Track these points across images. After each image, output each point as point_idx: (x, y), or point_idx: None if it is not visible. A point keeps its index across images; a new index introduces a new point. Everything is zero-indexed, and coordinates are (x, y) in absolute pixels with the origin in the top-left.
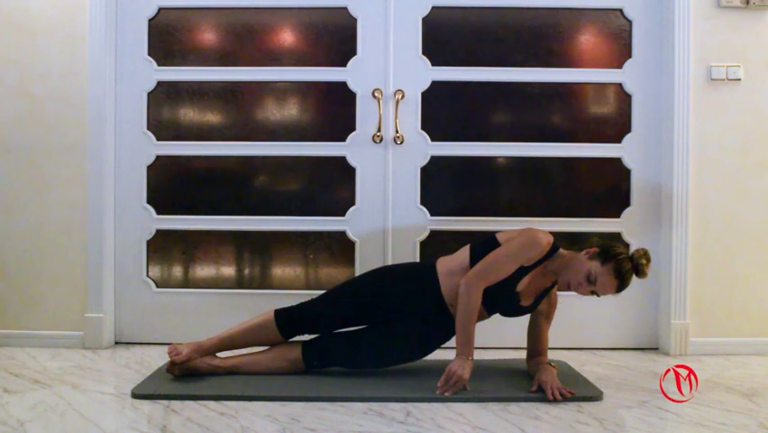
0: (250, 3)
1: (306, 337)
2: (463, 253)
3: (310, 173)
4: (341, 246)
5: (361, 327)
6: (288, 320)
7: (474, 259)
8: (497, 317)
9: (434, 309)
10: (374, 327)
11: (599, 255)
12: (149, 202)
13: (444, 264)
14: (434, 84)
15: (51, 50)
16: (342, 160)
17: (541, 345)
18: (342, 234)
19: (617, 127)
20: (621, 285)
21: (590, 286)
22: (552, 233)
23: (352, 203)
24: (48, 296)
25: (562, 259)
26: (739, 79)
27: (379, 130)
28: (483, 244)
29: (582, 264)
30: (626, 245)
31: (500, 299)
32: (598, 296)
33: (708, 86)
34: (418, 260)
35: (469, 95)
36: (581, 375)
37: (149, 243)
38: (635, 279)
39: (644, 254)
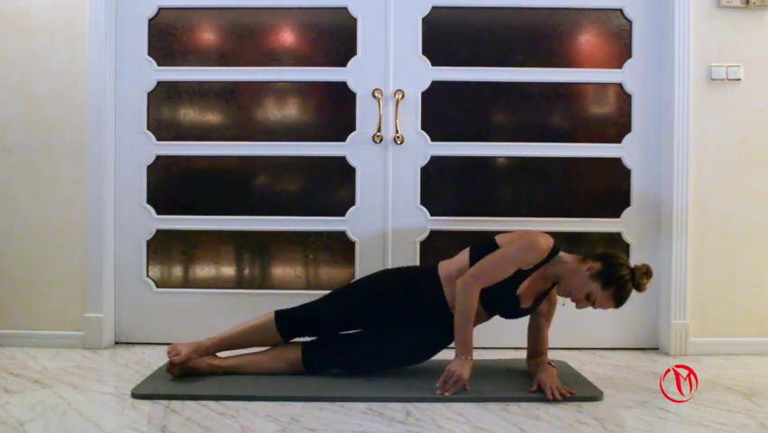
0: (250, 3)
1: (307, 339)
2: (463, 257)
3: (310, 173)
4: (341, 246)
5: (361, 329)
6: (288, 322)
7: (474, 262)
8: (496, 317)
9: (436, 314)
10: (375, 330)
11: (601, 277)
12: (149, 202)
13: (446, 268)
14: (434, 84)
15: (51, 50)
16: (342, 160)
17: (541, 345)
18: (342, 234)
19: (617, 127)
20: (619, 305)
21: (589, 304)
22: (551, 233)
23: (352, 203)
24: (48, 296)
25: (563, 265)
26: (739, 79)
27: (379, 130)
28: (482, 246)
29: (583, 282)
30: (626, 246)
31: (501, 302)
32: (595, 308)
33: (708, 86)
34: (418, 260)
35: (469, 95)
36: (581, 375)
37: (149, 243)
38: None
39: (647, 272)
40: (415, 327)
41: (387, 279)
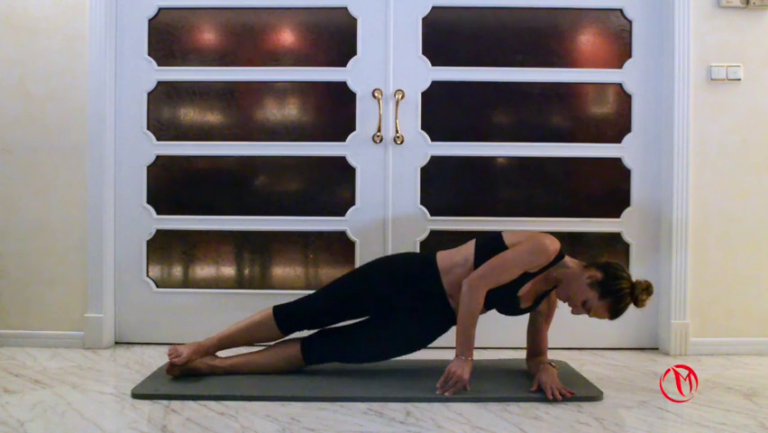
0: (250, 3)
1: (305, 333)
2: (468, 249)
3: (310, 173)
4: (341, 246)
5: (359, 320)
6: (286, 316)
7: (479, 256)
8: (497, 317)
9: (433, 301)
10: (373, 320)
11: (600, 286)
12: (149, 202)
13: (446, 257)
14: (434, 84)
15: (51, 50)
16: (342, 160)
17: (541, 345)
18: (342, 233)
19: (617, 127)
20: (614, 317)
21: (585, 312)
22: (552, 233)
23: (352, 203)
24: (48, 296)
25: (566, 270)
26: (739, 79)
27: (379, 130)
28: (489, 243)
29: (582, 289)
30: (626, 246)
31: (501, 301)
32: (591, 317)
33: (708, 86)
34: None
35: (469, 95)
36: (581, 375)
37: (149, 243)
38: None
39: (647, 288)
40: (413, 316)
41: (383, 267)
